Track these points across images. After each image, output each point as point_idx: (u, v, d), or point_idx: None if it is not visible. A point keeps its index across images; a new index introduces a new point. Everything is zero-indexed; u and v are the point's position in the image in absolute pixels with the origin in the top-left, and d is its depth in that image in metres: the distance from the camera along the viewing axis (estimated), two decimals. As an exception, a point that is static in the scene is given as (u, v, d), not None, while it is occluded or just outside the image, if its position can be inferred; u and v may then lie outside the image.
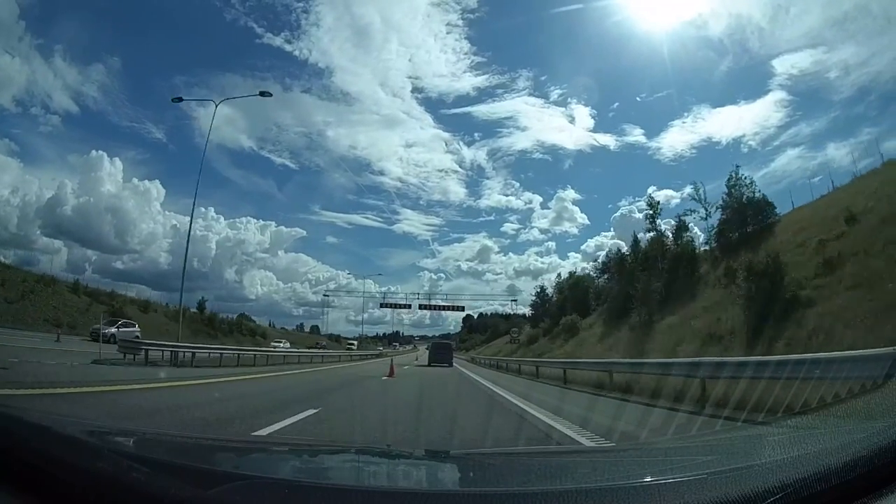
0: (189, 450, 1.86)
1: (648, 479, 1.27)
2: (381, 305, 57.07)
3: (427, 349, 38.09)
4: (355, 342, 62.62)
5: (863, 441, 1.18)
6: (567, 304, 41.88)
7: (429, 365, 29.89)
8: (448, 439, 5.12)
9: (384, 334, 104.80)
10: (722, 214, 26.17)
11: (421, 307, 55.01)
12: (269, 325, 62.48)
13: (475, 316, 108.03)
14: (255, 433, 4.79)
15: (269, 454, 2.10)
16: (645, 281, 26.77)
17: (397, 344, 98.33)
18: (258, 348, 29.70)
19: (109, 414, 5.56)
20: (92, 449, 1.22)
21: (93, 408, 5.96)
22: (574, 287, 43.74)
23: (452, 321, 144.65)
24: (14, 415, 1.30)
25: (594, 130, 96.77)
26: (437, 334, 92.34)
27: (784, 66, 59.75)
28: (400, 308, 56.30)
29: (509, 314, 72.82)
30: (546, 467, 1.97)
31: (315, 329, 73.14)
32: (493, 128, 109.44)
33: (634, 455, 2.37)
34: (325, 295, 65.88)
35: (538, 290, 56.77)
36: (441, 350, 32.54)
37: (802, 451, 1.31)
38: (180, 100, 38.89)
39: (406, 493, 1.31)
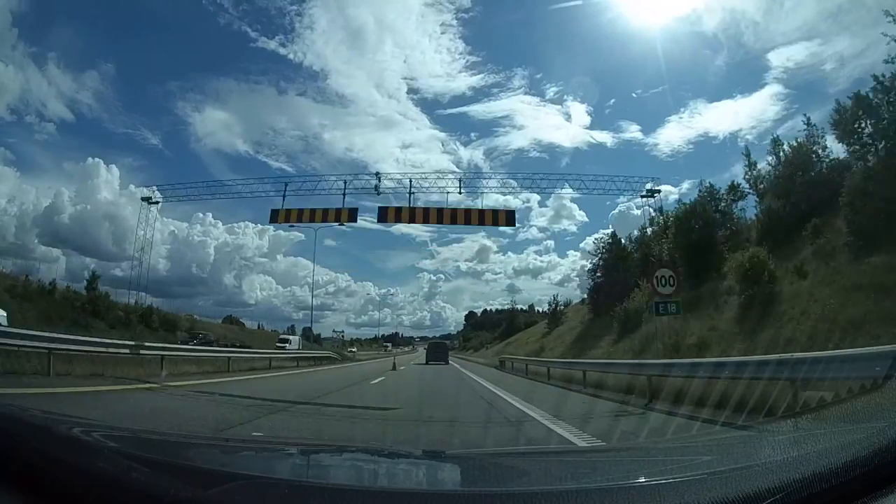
0: (189, 450, 1.86)
1: (648, 480, 1.27)
2: (270, 221, 31.83)
3: (425, 350, 39.89)
4: (292, 338, 41.16)
5: (863, 441, 1.18)
6: (674, 255, 22.27)
7: (427, 363, 31.32)
8: (448, 440, 5.12)
9: (382, 335, 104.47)
10: None
11: (397, 215, 30.16)
12: (258, 327, 57.26)
13: (478, 313, 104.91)
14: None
15: (269, 454, 2.10)
16: None
17: (389, 345, 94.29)
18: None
19: None
20: (92, 449, 1.22)
21: None
22: (691, 221, 21.98)
23: (453, 322, 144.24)
24: (14, 415, 1.30)
25: (591, 127, 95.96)
26: (437, 335, 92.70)
27: (780, 59, 59.70)
28: (341, 224, 31.81)
29: (524, 308, 63.26)
30: (546, 467, 1.97)
31: (306, 331, 71.03)
32: (489, 127, 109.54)
33: (634, 455, 2.37)
34: (142, 200, 34.26)
35: (607, 239, 32.59)
36: (438, 350, 35.90)
37: (802, 452, 1.31)
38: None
39: (406, 494, 1.31)
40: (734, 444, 2.30)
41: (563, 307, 43.72)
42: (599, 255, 32.60)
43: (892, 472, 1.09)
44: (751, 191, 24.21)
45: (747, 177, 24.53)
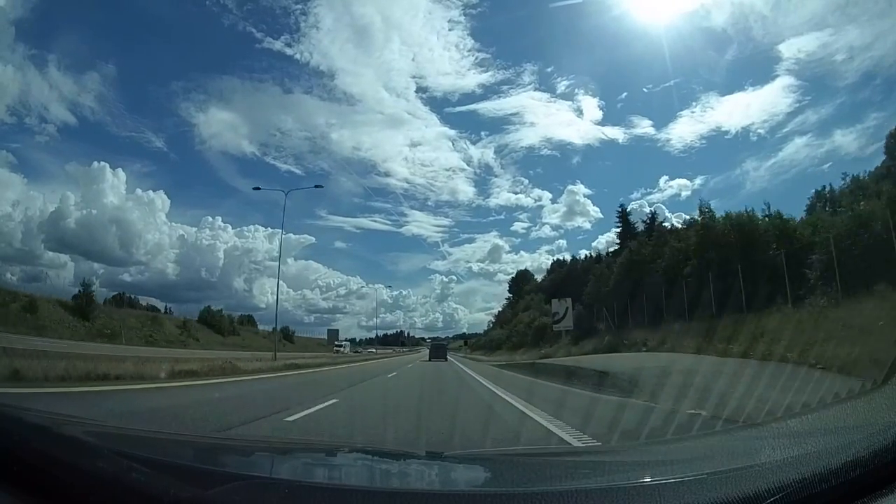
0: (189, 450, 1.86)
1: (648, 480, 1.27)
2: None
3: (429, 349, 48.36)
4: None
5: (863, 441, 1.18)
6: None
7: (429, 360, 37.14)
8: (448, 440, 5.12)
9: (385, 335, 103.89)
10: None
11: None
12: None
13: (531, 271, 68.78)
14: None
15: (269, 454, 2.10)
16: None
17: (375, 349, 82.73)
18: None
19: None
20: (92, 449, 1.22)
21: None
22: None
23: (466, 322, 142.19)
24: (14, 415, 1.30)
25: (602, 123, 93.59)
26: (451, 335, 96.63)
27: (791, 50, 60.01)
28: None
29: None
30: (546, 467, 1.97)
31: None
32: (499, 125, 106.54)
33: (634, 455, 2.37)
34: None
35: None
36: (438, 350, 43.24)
37: (802, 452, 1.31)
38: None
39: (406, 494, 1.31)
40: (734, 444, 2.30)
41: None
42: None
43: (892, 472, 1.09)
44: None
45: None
